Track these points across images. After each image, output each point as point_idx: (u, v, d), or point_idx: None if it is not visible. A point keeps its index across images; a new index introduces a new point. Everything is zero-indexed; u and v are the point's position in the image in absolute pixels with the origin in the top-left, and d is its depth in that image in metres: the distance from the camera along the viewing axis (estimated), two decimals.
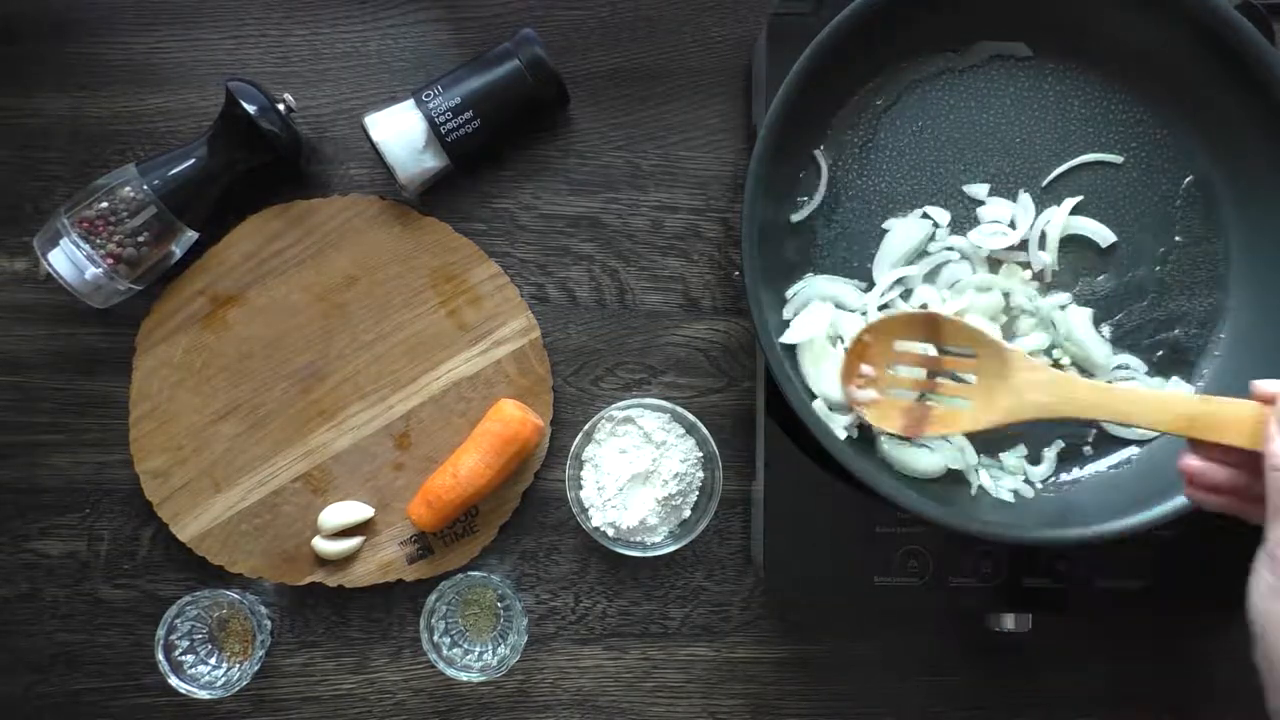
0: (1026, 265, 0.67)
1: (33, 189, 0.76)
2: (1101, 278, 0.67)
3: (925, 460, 0.66)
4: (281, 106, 0.71)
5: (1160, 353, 0.67)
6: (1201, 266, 0.67)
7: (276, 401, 0.75)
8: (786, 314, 0.67)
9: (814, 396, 0.65)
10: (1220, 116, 0.65)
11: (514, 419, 0.71)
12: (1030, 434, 0.67)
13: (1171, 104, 0.67)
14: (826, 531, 0.69)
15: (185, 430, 0.74)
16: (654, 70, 0.76)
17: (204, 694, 0.73)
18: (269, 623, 0.76)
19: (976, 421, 0.61)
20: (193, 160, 0.71)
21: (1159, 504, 0.62)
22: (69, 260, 0.70)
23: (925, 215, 0.67)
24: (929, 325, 0.62)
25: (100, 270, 0.70)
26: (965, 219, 0.68)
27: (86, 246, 0.69)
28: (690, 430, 0.74)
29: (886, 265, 0.67)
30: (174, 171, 0.71)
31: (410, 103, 0.72)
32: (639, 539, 0.73)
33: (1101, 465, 0.68)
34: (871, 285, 0.67)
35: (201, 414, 0.75)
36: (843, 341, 0.65)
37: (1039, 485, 0.67)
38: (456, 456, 0.72)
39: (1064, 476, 0.68)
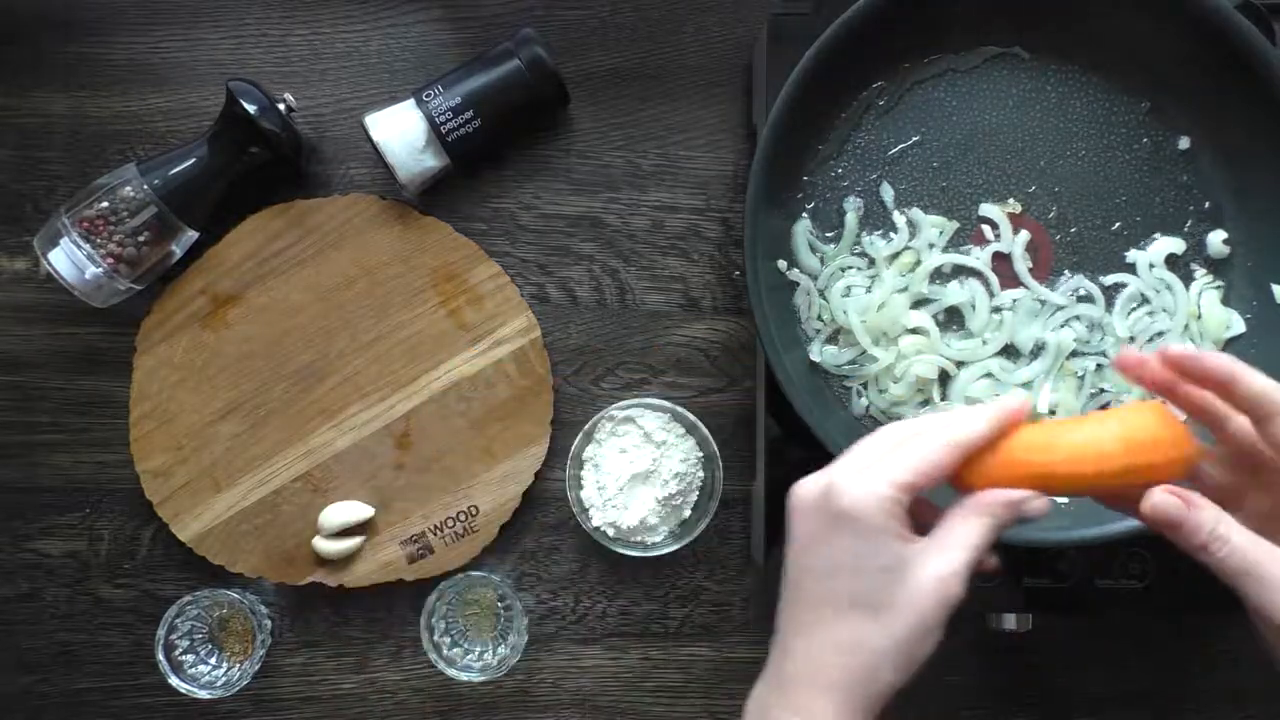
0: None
1: (33, 188, 0.76)
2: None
3: None
4: (282, 106, 0.71)
5: None
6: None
7: (277, 401, 0.75)
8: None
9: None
10: (1221, 117, 0.65)
11: (1164, 440, 0.47)
12: None
13: (1173, 105, 0.67)
14: None
15: (186, 430, 0.74)
16: (654, 70, 0.76)
17: (204, 694, 0.73)
18: (269, 622, 0.76)
19: None
20: (193, 160, 0.71)
21: None
22: (69, 260, 0.69)
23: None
24: None
25: (100, 270, 0.70)
26: (968, 223, 0.68)
27: (87, 246, 0.69)
28: (690, 430, 0.74)
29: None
30: (174, 171, 0.71)
31: (410, 102, 0.72)
32: (639, 539, 0.73)
33: None
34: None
35: (202, 413, 0.75)
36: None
37: None
38: (1076, 425, 0.49)
39: None
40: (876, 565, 0.46)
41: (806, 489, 0.48)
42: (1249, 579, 0.45)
